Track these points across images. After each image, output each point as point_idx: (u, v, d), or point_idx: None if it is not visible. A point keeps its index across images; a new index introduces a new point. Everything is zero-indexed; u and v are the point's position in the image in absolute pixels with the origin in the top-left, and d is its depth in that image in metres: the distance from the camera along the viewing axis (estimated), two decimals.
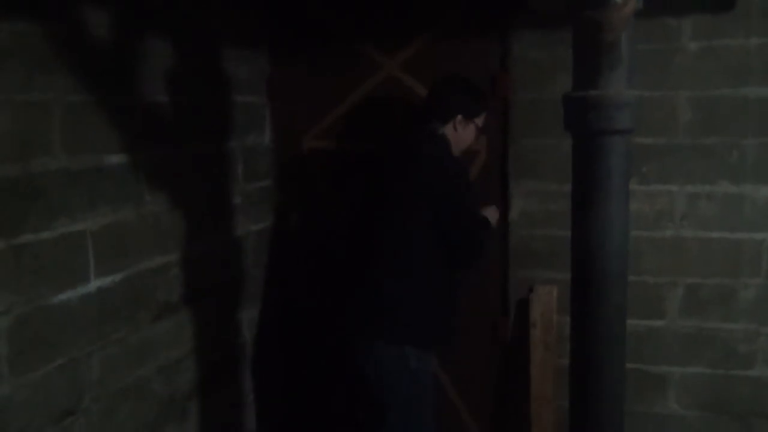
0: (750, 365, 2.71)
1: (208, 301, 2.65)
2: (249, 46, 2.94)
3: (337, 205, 3.05)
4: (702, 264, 2.70)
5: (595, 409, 1.57)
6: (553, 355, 2.83)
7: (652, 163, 2.68)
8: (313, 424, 3.23)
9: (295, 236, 3.16)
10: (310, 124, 3.09)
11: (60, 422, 1.99)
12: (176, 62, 2.43)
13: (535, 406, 2.84)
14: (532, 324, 2.81)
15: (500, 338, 2.97)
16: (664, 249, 2.73)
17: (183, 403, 2.54)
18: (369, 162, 2.69)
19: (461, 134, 2.51)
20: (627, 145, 1.54)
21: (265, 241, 3.08)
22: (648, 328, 2.77)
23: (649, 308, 2.74)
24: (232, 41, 2.79)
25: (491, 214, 2.63)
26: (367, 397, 2.46)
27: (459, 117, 2.48)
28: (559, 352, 2.82)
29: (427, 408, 2.42)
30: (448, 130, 2.49)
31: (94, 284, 2.09)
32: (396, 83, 2.96)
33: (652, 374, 2.78)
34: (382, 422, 2.38)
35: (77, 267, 2.04)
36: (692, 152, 2.67)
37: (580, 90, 1.53)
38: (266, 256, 3.09)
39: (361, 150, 3.00)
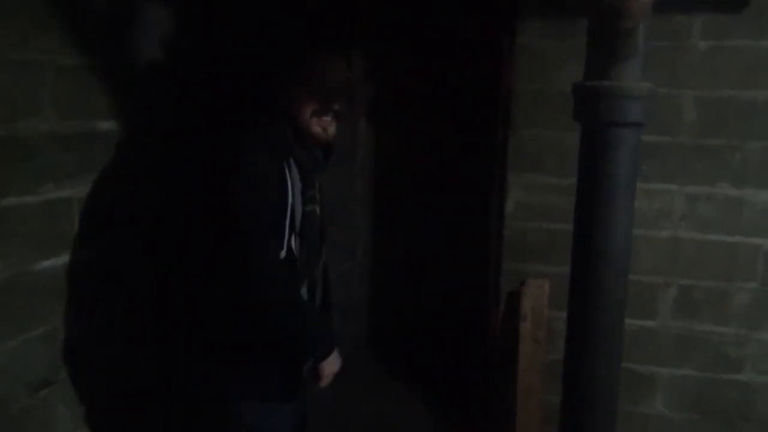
0: (739, 369, 2.69)
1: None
2: None
3: None
4: (697, 266, 2.67)
5: (590, 405, 1.54)
6: (542, 349, 2.79)
7: (653, 161, 2.63)
8: None
9: None
10: None
11: (37, 392, 1.94)
12: (174, 28, 2.36)
13: (521, 399, 2.81)
14: (522, 317, 2.77)
15: (489, 330, 2.94)
16: (660, 249, 2.69)
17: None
18: None
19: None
20: (637, 139, 1.50)
21: None
22: (639, 328, 2.73)
23: (642, 308, 2.71)
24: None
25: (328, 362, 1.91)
26: None
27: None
28: (548, 346, 2.79)
29: None
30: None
31: (78, 253, 2.03)
32: None
33: (641, 374, 2.76)
34: None
35: (62, 235, 1.98)
36: (695, 152, 2.63)
37: (593, 79, 1.48)
38: None
39: None
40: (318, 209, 1.92)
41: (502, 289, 2.88)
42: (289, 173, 1.81)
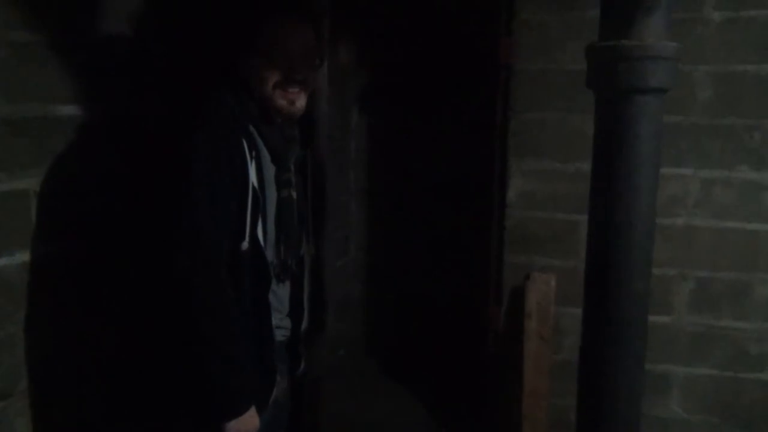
0: (761, 368, 2.50)
1: None
2: None
3: None
4: (714, 256, 2.49)
5: (610, 412, 1.34)
6: (549, 348, 2.61)
7: (664, 143, 2.43)
8: None
9: None
10: None
11: None
12: (142, 4, 2.16)
13: (527, 402, 2.62)
14: (527, 314, 2.59)
15: (492, 328, 2.75)
16: (674, 238, 2.50)
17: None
18: None
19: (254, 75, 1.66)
20: (662, 107, 1.30)
21: None
22: (652, 324, 2.46)
23: (655, 303, 2.47)
24: None
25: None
26: None
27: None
28: (555, 345, 2.62)
29: None
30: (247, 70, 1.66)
31: (35, 252, 1.83)
32: None
33: (655, 374, 2.56)
34: None
35: (17, 230, 1.78)
36: (710, 133, 2.44)
37: (609, 38, 1.29)
38: None
39: None
40: (295, 194, 1.73)
41: (505, 284, 2.70)
42: (255, 152, 1.61)
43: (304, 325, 1.84)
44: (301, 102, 1.67)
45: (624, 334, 1.32)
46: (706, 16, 2.39)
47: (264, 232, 1.64)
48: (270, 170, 1.66)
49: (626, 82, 1.26)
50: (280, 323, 1.77)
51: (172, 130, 1.91)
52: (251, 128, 1.64)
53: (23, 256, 1.79)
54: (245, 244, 1.60)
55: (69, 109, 1.92)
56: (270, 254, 1.67)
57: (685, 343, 2.54)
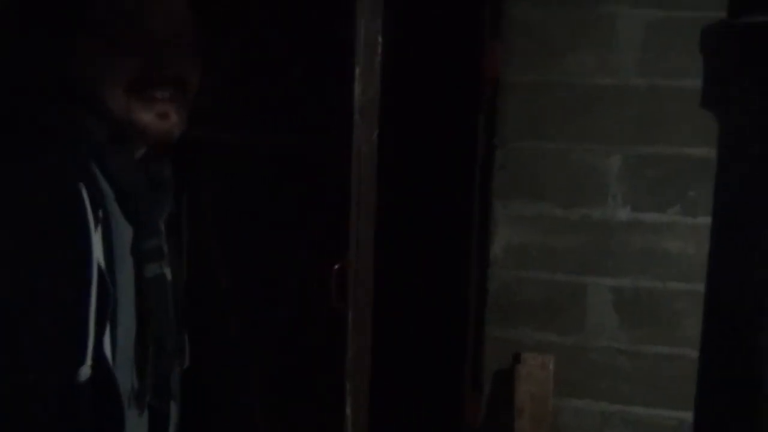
0: None
1: None
2: None
3: None
4: None
5: None
6: None
7: (703, 185, 1.90)
8: None
9: None
10: None
11: None
12: None
13: None
14: (517, 410, 2.03)
15: (469, 423, 2.18)
16: None
17: None
18: None
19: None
20: None
21: None
22: (680, 422, 1.99)
23: (687, 398, 1.97)
24: None
25: None
26: None
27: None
28: None
29: None
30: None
31: None
32: None
33: None
34: None
35: None
36: None
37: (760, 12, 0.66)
38: None
39: None
40: (169, 272, 1.06)
41: (487, 366, 2.15)
42: (102, 211, 0.95)
43: None
44: (176, 116, 1.01)
45: None
46: None
47: (113, 343, 0.97)
48: (124, 235, 0.99)
49: None
50: None
51: None
52: (94, 167, 0.97)
53: None
54: (85, 371, 0.93)
55: None
56: (124, 376, 1.00)
57: None
